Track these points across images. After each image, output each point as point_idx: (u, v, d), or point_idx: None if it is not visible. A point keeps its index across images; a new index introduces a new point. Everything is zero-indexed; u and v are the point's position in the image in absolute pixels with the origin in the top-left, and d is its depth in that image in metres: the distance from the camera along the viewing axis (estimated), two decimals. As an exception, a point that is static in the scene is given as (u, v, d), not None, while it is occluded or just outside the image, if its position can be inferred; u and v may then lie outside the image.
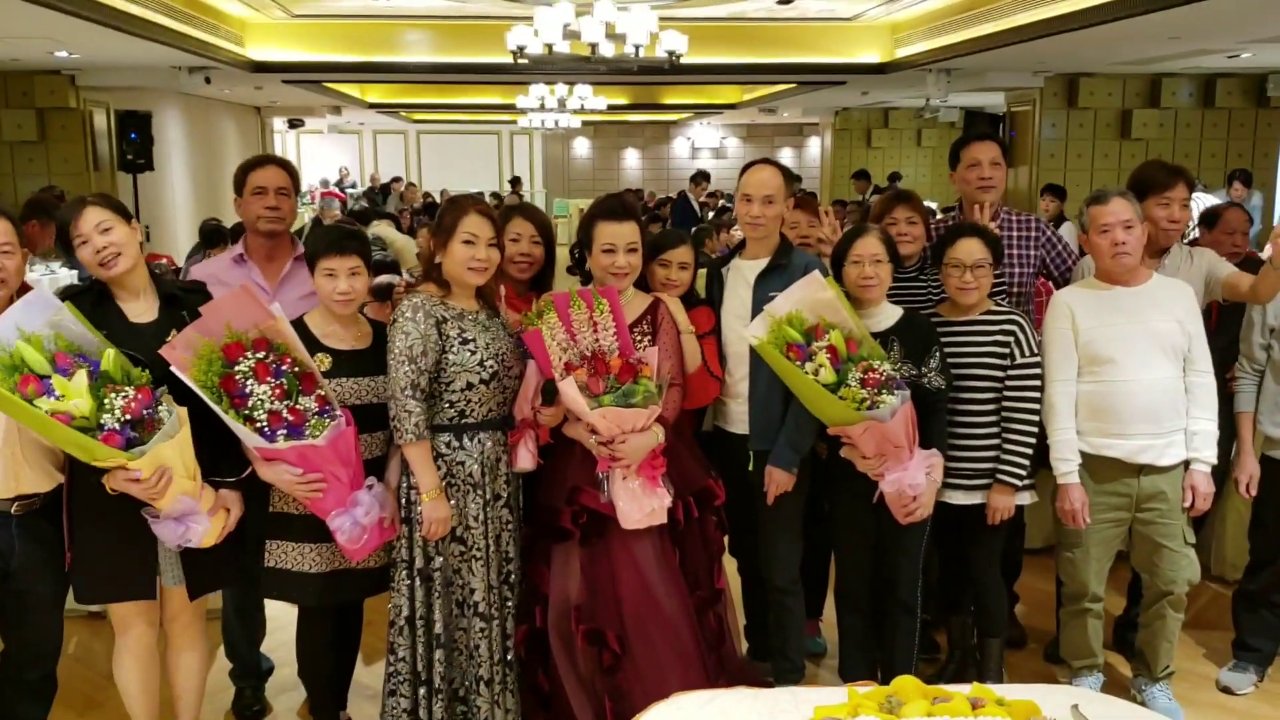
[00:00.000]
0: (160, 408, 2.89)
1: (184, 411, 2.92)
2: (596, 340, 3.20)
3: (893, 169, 17.45)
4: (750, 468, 3.55)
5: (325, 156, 23.57)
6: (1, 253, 2.88)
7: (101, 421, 2.77)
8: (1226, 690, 3.95)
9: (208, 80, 10.60)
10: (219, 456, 3.07)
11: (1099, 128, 12.00)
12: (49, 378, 2.75)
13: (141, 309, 3.11)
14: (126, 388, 2.82)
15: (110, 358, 2.84)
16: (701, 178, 14.05)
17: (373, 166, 24.14)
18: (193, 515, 2.97)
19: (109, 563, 3.07)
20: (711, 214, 13.33)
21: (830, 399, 3.24)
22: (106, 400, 2.78)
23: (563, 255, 3.77)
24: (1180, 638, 3.83)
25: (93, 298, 3.07)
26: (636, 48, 7.36)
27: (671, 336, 3.40)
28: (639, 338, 3.31)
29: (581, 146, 24.84)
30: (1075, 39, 8.29)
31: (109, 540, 3.03)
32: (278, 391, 2.96)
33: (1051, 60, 10.36)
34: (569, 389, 3.11)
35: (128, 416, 2.79)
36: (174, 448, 2.88)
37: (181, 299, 3.13)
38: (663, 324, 3.40)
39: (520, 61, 8.00)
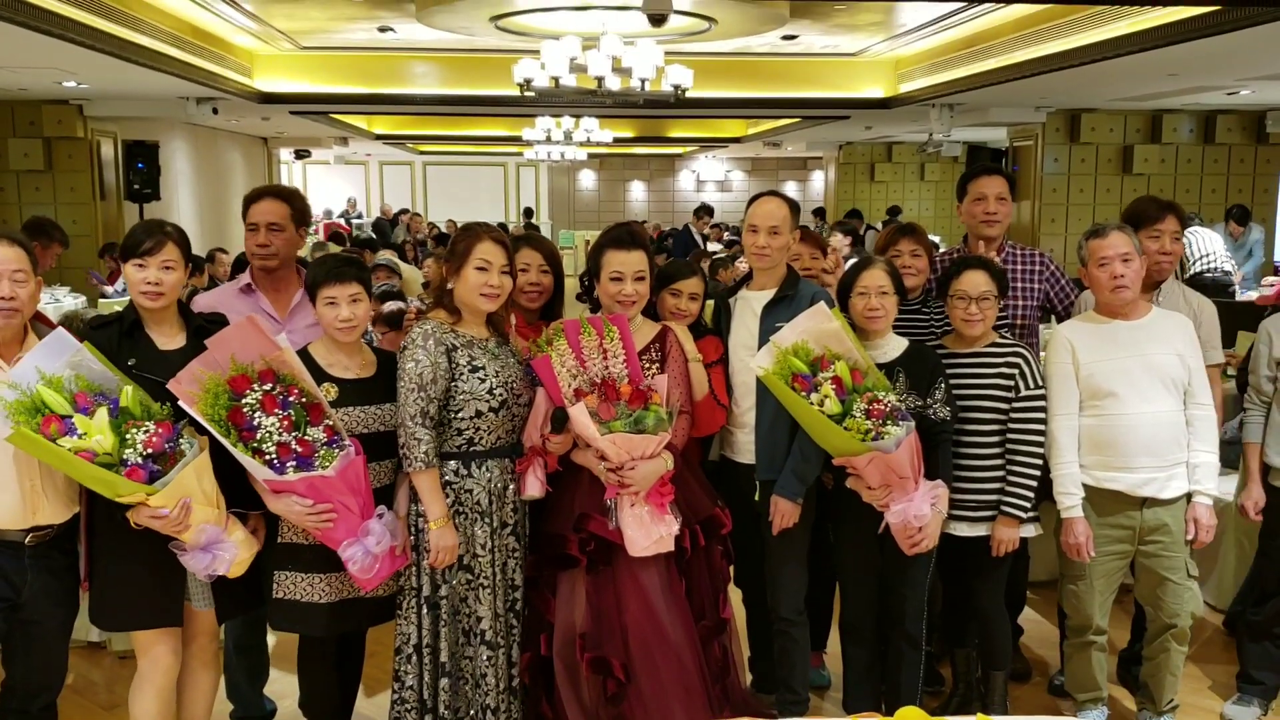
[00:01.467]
0: (181, 440, 2.93)
1: (205, 440, 2.95)
2: (606, 367, 3.23)
3: (895, 203, 17.55)
4: (756, 497, 3.56)
5: (332, 187, 23.68)
6: (14, 281, 2.91)
7: (124, 457, 2.81)
8: (1230, 724, 3.94)
9: (215, 111, 10.68)
10: (243, 488, 3.09)
11: (1101, 163, 12.08)
12: (70, 417, 2.78)
13: (170, 338, 3.16)
14: (147, 423, 2.86)
15: (129, 394, 2.89)
16: (704, 211, 14.20)
17: (379, 198, 24.24)
18: (219, 544, 3.00)
19: (135, 591, 3.10)
20: (718, 244, 13.41)
21: (835, 430, 3.25)
22: (128, 435, 2.82)
23: (570, 285, 3.79)
24: (1184, 671, 3.83)
25: (123, 327, 3.12)
26: (643, 81, 7.42)
27: (680, 364, 3.43)
28: (647, 365, 3.33)
29: (587, 179, 24.96)
30: (1075, 75, 8.36)
31: (135, 569, 3.06)
32: (286, 423, 2.98)
33: (1053, 96, 10.45)
34: (580, 414, 3.12)
35: (150, 450, 2.83)
36: (194, 474, 2.91)
37: (208, 330, 3.16)
38: (671, 352, 3.43)
39: (527, 94, 8.07)
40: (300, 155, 19.79)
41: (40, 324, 3.11)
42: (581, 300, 3.67)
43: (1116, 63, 7.64)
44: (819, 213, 14.78)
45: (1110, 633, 3.77)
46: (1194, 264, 9.43)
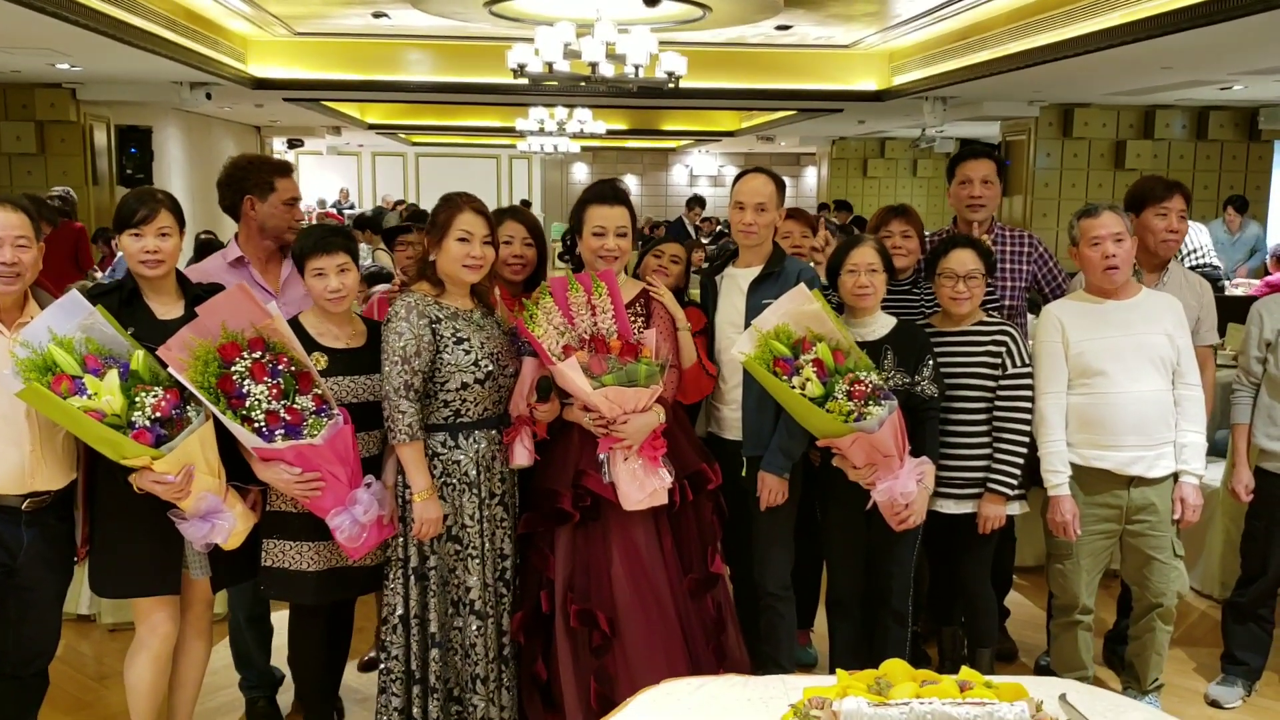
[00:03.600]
0: (188, 408, 2.94)
1: (209, 410, 2.96)
2: (595, 323, 3.23)
3: (888, 199, 17.56)
4: (744, 473, 3.57)
5: (323, 179, 23.63)
6: (17, 246, 2.91)
7: (132, 420, 2.83)
8: (1215, 704, 3.96)
9: (209, 96, 10.65)
10: (245, 463, 3.10)
11: (1093, 158, 12.11)
12: (81, 378, 2.79)
13: (168, 307, 3.17)
14: (156, 388, 2.88)
15: (139, 359, 2.90)
16: (696, 203, 14.31)
17: (371, 189, 24.20)
18: (218, 514, 3.01)
19: (134, 558, 3.11)
20: (707, 239, 13.44)
21: (818, 412, 3.25)
22: (137, 399, 2.84)
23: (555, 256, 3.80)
24: (1170, 653, 3.86)
25: (123, 295, 3.13)
26: (636, 68, 7.42)
27: (665, 320, 3.45)
28: (633, 319, 3.33)
29: (580, 172, 24.92)
30: (1069, 68, 8.38)
31: (135, 536, 3.07)
32: (275, 391, 2.98)
33: (1047, 90, 10.47)
34: (571, 370, 3.12)
35: (157, 415, 2.85)
36: (198, 443, 2.93)
37: (205, 299, 3.15)
38: (656, 309, 3.44)
39: (520, 80, 8.06)
40: (293, 145, 19.75)
41: (42, 291, 3.11)
42: (564, 260, 3.67)
43: (1109, 54, 7.66)
44: (842, 205, 14.81)
45: (1097, 615, 3.79)
46: (1184, 258, 9.44)
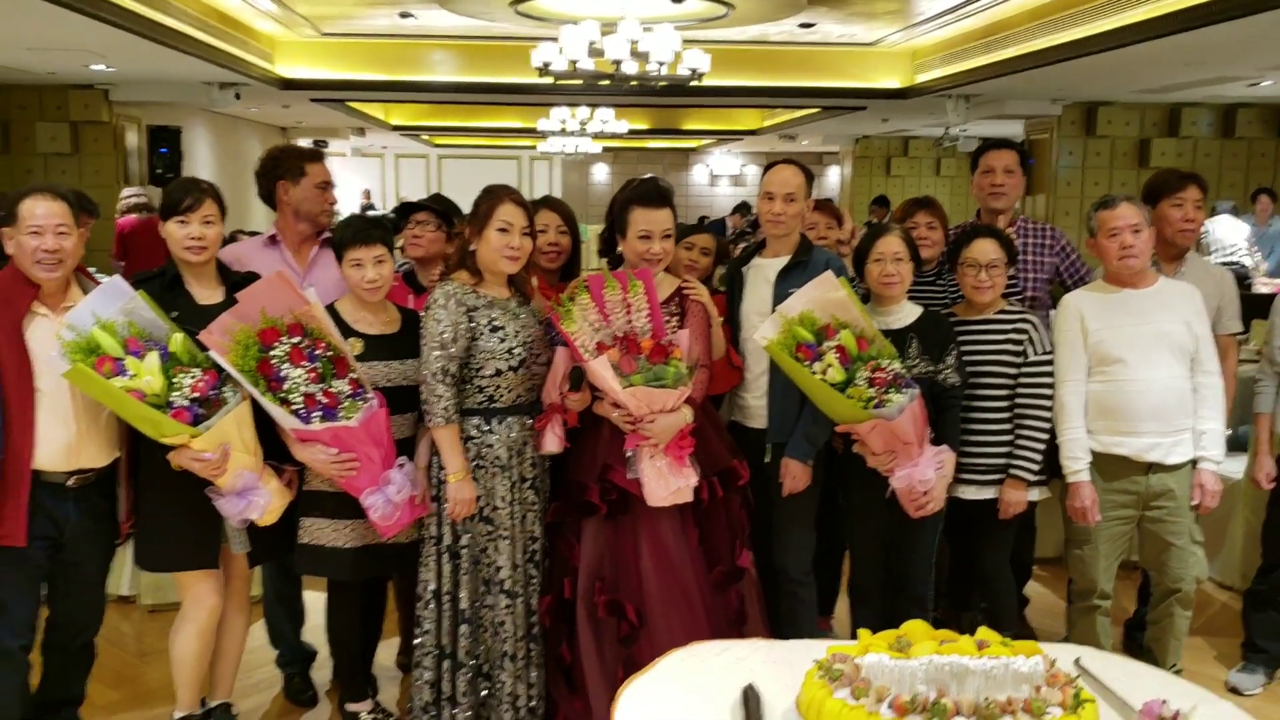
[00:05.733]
0: (225, 389, 3.04)
1: (245, 391, 3.06)
2: (629, 321, 3.29)
3: (910, 197, 17.49)
4: (767, 459, 3.63)
5: (347, 180, 23.78)
6: (58, 233, 3.02)
7: (171, 399, 2.94)
8: (1235, 691, 3.99)
9: (237, 96, 10.79)
10: (281, 443, 3.21)
11: (1116, 156, 12.06)
12: (122, 359, 2.90)
13: (209, 293, 3.28)
14: (194, 369, 2.99)
15: (178, 341, 3.02)
16: (746, 209, 14.57)
17: (394, 191, 24.35)
18: (254, 491, 3.11)
19: (176, 533, 3.23)
20: (731, 237, 13.55)
21: (838, 398, 3.30)
22: (176, 379, 2.95)
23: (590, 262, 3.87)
24: (1191, 641, 3.89)
25: (165, 281, 3.25)
26: (660, 65, 7.49)
27: (700, 319, 3.49)
28: (667, 319, 3.39)
29: (601, 172, 24.99)
30: (1093, 64, 8.39)
31: (176, 512, 3.19)
32: (312, 375, 3.08)
33: (1070, 88, 10.47)
34: (601, 368, 3.20)
35: (196, 395, 2.96)
36: (234, 422, 3.03)
37: (244, 286, 3.25)
38: (691, 308, 3.49)
39: (543, 80, 8.15)
40: (318, 145, 19.91)
41: (84, 277, 3.22)
42: (603, 256, 3.75)
43: (1133, 51, 7.66)
44: (880, 201, 14.85)
45: (1117, 603, 3.82)
46: (1215, 254, 9.41)
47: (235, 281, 3.32)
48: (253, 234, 8.72)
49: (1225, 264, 9.24)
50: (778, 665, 2.40)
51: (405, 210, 4.07)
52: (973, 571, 3.90)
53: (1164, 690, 2.19)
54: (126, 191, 9.54)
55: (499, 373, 3.30)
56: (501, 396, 3.33)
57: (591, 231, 4.06)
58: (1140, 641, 4.02)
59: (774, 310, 3.50)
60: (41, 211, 3.00)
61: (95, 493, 3.17)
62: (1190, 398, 3.59)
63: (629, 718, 2.22)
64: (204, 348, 3.04)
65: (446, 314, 3.24)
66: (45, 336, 2.99)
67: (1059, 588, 4.46)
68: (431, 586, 3.34)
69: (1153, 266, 3.74)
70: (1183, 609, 3.73)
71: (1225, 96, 11.29)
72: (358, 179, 23.76)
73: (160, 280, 3.26)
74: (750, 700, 2.14)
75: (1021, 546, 4.13)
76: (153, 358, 2.94)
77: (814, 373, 3.29)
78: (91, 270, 3.38)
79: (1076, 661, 2.28)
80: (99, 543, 3.24)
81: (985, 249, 3.60)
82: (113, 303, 3.01)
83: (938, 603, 3.85)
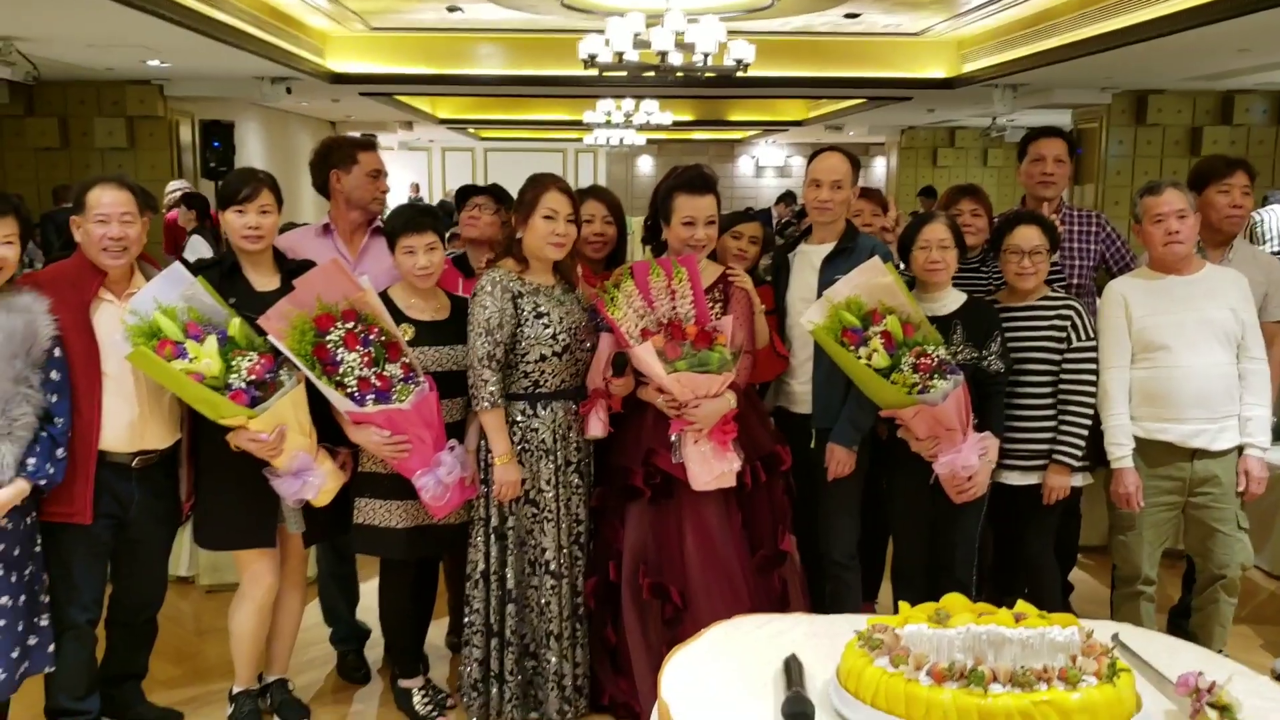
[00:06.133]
0: (281, 372, 3.14)
1: (302, 374, 3.16)
2: (674, 308, 3.35)
3: (956, 185, 17.36)
4: (813, 445, 3.67)
5: (395, 174, 23.97)
6: (123, 221, 3.13)
7: (229, 382, 3.04)
8: (1280, 678, 3.98)
9: (289, 90, 10.97)
10: (336, 426, 3.30)
11: (1167, 145, 11.91)
12: (182, 343, 3.01)
13: (265, 280, 3.39)
14: (251, 353, 3.09)
15: (236, 326, 3.12)
16: (791, 198, 14.55)
17: (441, 183, 24.57)
18: (309, 471, 3.21)
19: (234, 512, 3.34)
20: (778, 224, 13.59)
21: (882, 382, 3.34)
22: (234, 363, 3.06)
23: (635, 253, 3.93)
24: (1237, 629, 3.88)
25: (224, 269, 3.36)
26: (705, 56, 7.53)
27: (744, 305, 3.54)
28: (711, 305, 3.44)
29: (645, 164, 25.06)
30: (1141, 52, 8.31)
31: (234, 492, 3.30)
32: (366, 359, 3.18)
33: (1119, 76, 10.36)
34: (646, 354, 3.25)
35: (252, 377, 3.06)
36: (290, 404, 3.13)
37: (298, 274, 3.35)
38: (735, 294, 3.54)
39: (589, 72, 8.22)
40: (366, 139, 20.09)
41: (146, 263, 3.33)
42: (647, 243, 3.80)
43: (1183, 38, 7.59)
44: (927, 191, 14.80)
45: (1162, 590, 3.82)
46: (1268, 243, 9.28)
47: (290, 269, 3.42)
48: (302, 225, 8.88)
49: (1278, 254, 9.13)
50: (819, 638, 2.45)
51: (465, 193, 4.16)
52: (1016, 557, 3.91)
53: (1201, 665, 2.22)
54: (172, 185, 9.73)
55: (544, 358, 3.37)
56: (546, 382, 3.40)
57: (636, 223, 4.11)
58: (1185, 629, 4.01)
59: (819, 297, 3.54)
60: (108, 200, 3.12)
61: (158, 473, 3.29)
62: (1236, 384, 3.58)
63: (674, 684, 2.28)
64: (261, 332, 3.14)
65: (492, 300, 3.32)
66: (111, 321, 3.10)
67: (1104, 575, 4.46)
68: (480, 567, 3.43)
69: (1199, 253, 3.73)
70: (1228, 595, 3.72)
71: (1279, 83, 11.12)
72: (406, 173, 23.98)
73: (219, 268, 3.37)
74: (792, 669, 2.20)
75: (1066, 533, 4.14)
76: (211, 341, 3.05)
77: (859, 357, 3.33)
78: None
79: (1114, 636, 2.31)
80: (162, 521, 3.36)
81: (1028, 235, 3.61)
82: (173, 289, 3.12)
83: (981, 588, 3.87)
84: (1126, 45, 8.01)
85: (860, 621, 2.19)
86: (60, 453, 3.02)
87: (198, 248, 7.71)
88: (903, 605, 2.17)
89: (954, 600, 2.17)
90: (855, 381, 3.47)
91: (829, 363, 3.55)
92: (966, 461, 3.45)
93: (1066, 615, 2.11)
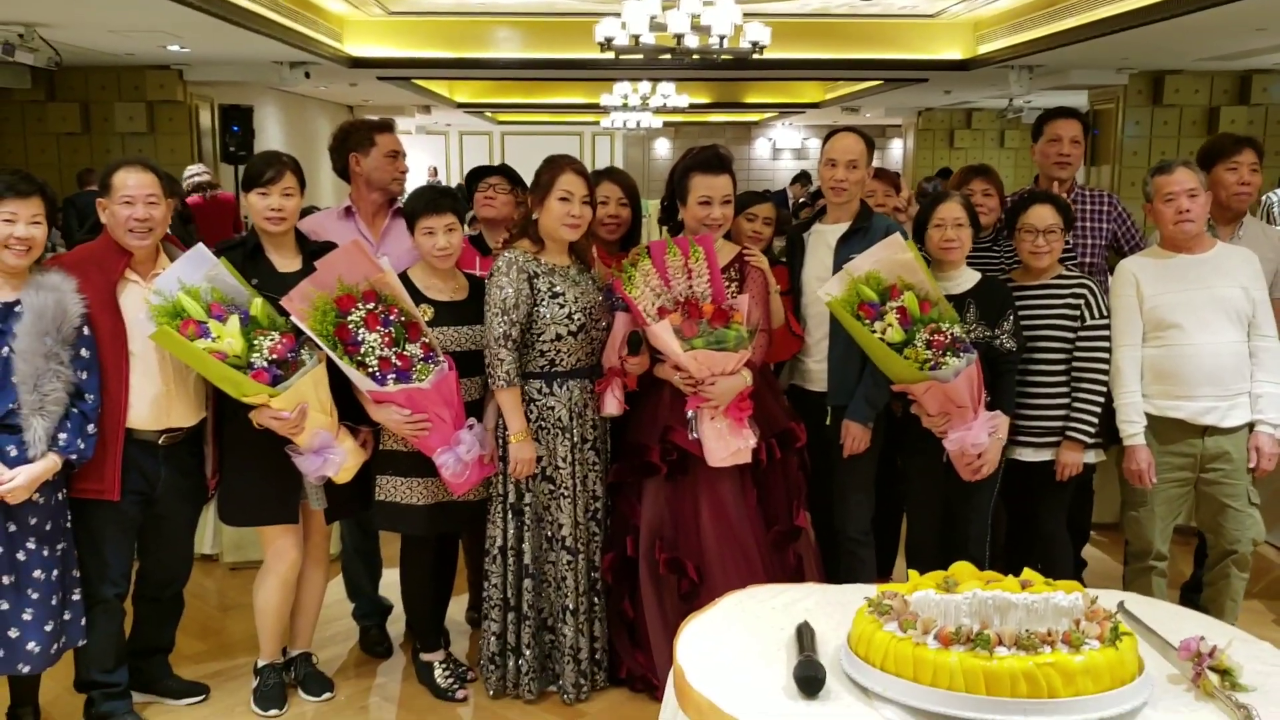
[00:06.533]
0: (302, 351, 3.21)
1: (323, 354, 3.23)
2: (690, 286, 3.40)
3: (968, 165, 17.31)
4: (828, 422, 3.71)
5: (413, 158, 23.97)
6: (148, 203, 3.20)
7: (251, 361, 3.11)
8: (1291, 653, 4.01)
9: (307, 75, 11.02)
10: (357, 405, 3.37)
11: (1184, 125, 11.84)
12: (205, 322, 3.08)
13: (287, 261, 3.45)
14: (273, 332, 3.15)
15: (259, 306, 3.19)
16: (806, 179, 14.55)
17: (459, 167, 24.61)
18: (330, 449, 3.28)
19: (258, 489, 3.41)
20: (798, 197, 13.63)
21: (894, 357, 3.38)
22: (256, 342, 3.12)
23: (652, 235, 3.97)
24: (1248, 605, 3.91)
25: (246, 250, 3.43)
26: (721, 39, 7.55)
27: (759, 285, 3.59)
28: (727, 284, 3.48)
29: (662, 148, 25.04)
30: (1158, 32, 8.26)
31: (258, 469, 3.37)
32: (387, 339, 3.24)
33: (1136, 56, 10.31)
34: (663, 332, 3.30)
35: (274, 356, 3.13)
36: (311, 383, 3.20)
37: (319, 255, 3.41)
38: (750, 274, 3.59)
39: (606, 55, 8.24)
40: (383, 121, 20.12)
41: (171, 245, 3.39)
42: (664, 224, 3.85)
43: (1200, 17, 7.55)
44: (945, 174, 14.80)
45: (1174, 566, 3.85)
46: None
47: (312, 250, 3.48)
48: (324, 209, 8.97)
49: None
50: (831, 606, 2.51)
51: (477, 175, 4.20)
52: (1030, 533, 3.95)
53: (1203, 630, 2.27)
54: (189, 170, 9.77)
55: (559, 337, 3.43)
56: (562, 360, 3.46)
57: (653, 206, 4.16)
58: (1196, 603, 4.04)
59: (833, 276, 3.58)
60: (133, 182, 3.18)
61: (184, 451, 3.36)
62: (1247, 362, 3.62)
63: (689, 650, 2.34)
64: (283, 313, 3.20)
65: (509, 281, 3.37)
66: (136, 302, 3.17)
67: (1116, 553, 4.50)
68: (498, 542, 3.50)
69: (1209, 231, 3.75)
70: (1239, 570, 3.75)
71: (1299, 62, 11.04)
72: (424, 156, 24.03)
73: (242, 249, 3.43)
74: (804, 635, 2.25)
75: (1079, 511, 4.18)
76: (234, 321, 3.11)
77: (873, 331, 3.37)
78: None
79: (1120, 604, 2.36)
80: (187, 498, 3.44)
81: (1043, 214, 3.64)
82: (197, 269, 3.18)
83: (994, 565, 3.91)
84: (1143, 25, 7.97)
85: (871, 591, 2.25)
86: (91, 429, 3.09)
87: None
88: (912, 573, 2.22)
89: (962, 568, 2.22)
90: (870, 355, 3.51)
91: (845, 340, 3.59)
92: (976, 439, 3.49)
93: (1071, 582, 2.16)
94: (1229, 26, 8.13)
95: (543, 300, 3.40)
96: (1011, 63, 10.56)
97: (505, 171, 4.19)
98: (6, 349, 2.95)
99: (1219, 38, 8.90)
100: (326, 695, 3.67)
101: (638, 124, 18.18)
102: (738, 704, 2.09)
